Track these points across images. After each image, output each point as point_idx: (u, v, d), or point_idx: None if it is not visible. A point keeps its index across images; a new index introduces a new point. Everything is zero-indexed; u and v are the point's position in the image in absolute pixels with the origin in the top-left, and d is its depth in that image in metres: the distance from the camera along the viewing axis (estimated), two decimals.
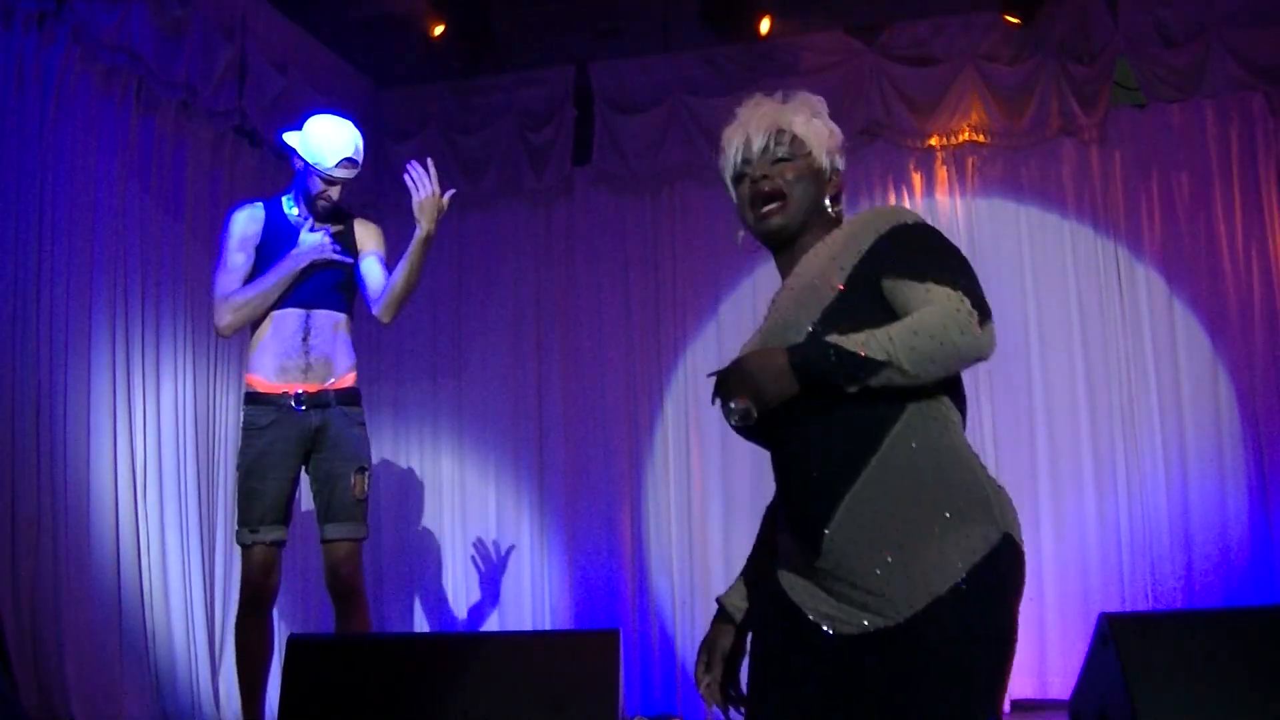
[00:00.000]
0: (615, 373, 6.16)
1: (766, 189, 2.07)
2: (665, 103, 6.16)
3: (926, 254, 1.94)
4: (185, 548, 4.94)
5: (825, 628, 1.88)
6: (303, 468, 4.07)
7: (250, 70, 5.35)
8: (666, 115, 6.16)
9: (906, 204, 5.97)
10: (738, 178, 2.13)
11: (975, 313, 1.86)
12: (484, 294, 6.42)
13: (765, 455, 2.14)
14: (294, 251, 4.01)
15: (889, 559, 1.82)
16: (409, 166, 3.93)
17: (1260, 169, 5.64)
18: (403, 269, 4.00)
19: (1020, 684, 5.52)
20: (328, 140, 4.01)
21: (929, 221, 2.07)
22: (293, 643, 3.04)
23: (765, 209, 2.07)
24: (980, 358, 1.89)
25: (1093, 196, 5.84)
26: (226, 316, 4.01)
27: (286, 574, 5.50)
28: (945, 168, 5.97)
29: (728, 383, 1.89)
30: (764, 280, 6.07)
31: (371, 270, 4.13)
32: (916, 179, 5.99)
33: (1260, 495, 5.42)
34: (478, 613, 6.16)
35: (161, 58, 4.85)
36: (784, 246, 2.11)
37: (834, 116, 2.28)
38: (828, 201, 2.11)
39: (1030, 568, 5.95)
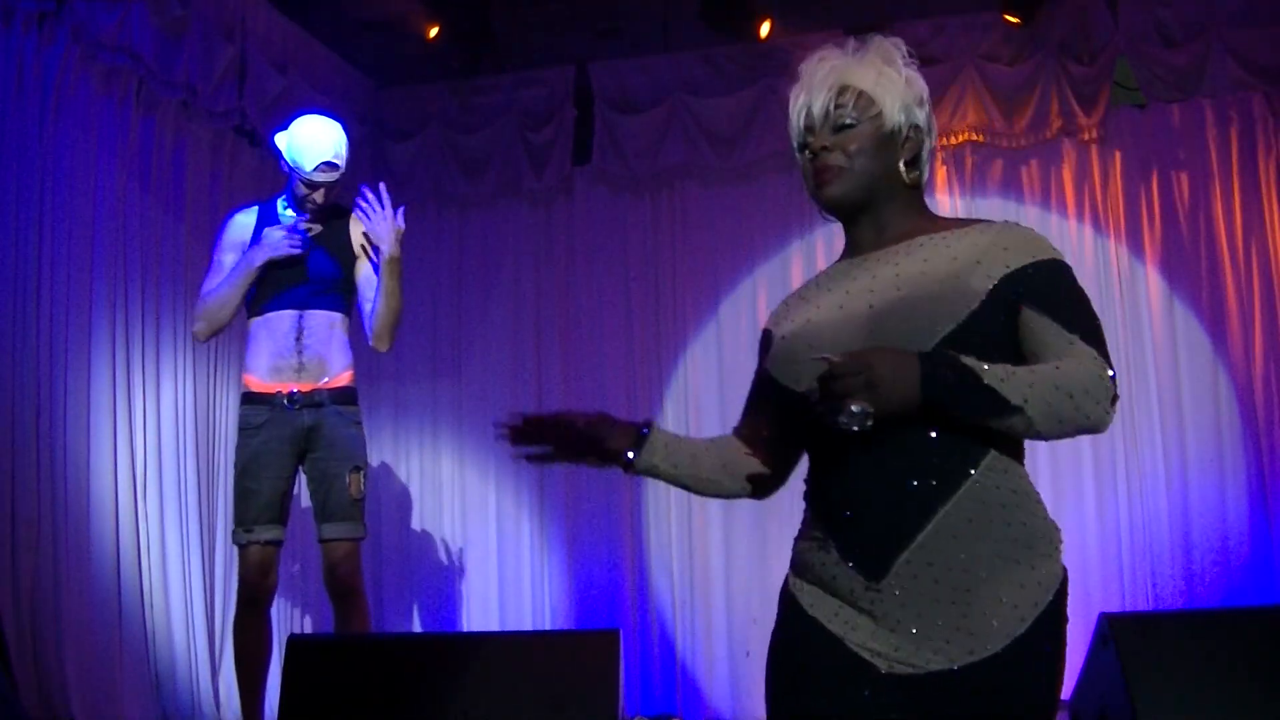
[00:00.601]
0: (615, 373, 6.16)
1: (824, 163, 1.85)
2: (665, 103, 6.16)
3: (1080, 306, 1.77)
4: (185, 548, 4.94)
5: (877, 664, 1.71)
6: (299, 468, 4.07)
7: (250, 70, 5.35)
8: (666, 115, 6.16)
9: None
10: (800, 147, 1.91)
11: (1113, 389, 1.71)
12: (484, 294, 6.42)
13: None
14: (250, 250, 4.02)
15: (964, 599, 1.67)
16: (359, 198, 3.97)
17: (1260, 169, 5.64)
18: (379, 298, 4.04)
19: None
20: (308, 144, 4.02)
21: None
22: (293, 643, 3.04)
23: (822, 179, 1.86)
24: (1095, 432, 1.74)
25: (1093, 196, 5.84)
26: (198, 323, 4.10)
27: (286, 574, 5.52)
28: (945, 168, 5.97)
29: (846, 378, 1.64)
30: (764, 280, 6.08)
31: (365, 275, 4.14)
32: None
33: (1260, 495, 5.43)
34: (478, 613, 6.16)
35: (161, 58, 4.85)
36: (857, 216, 1.89)
37: None
38: (903, 166, 1.87)
39: None
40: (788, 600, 1.90)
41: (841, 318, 1.81)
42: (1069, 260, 1.85)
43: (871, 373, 1.63)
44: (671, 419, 6.07)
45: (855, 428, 1.62)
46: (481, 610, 6.15)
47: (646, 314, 6.20)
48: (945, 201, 5.95)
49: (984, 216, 6.15)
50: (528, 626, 5.98)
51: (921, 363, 1.65)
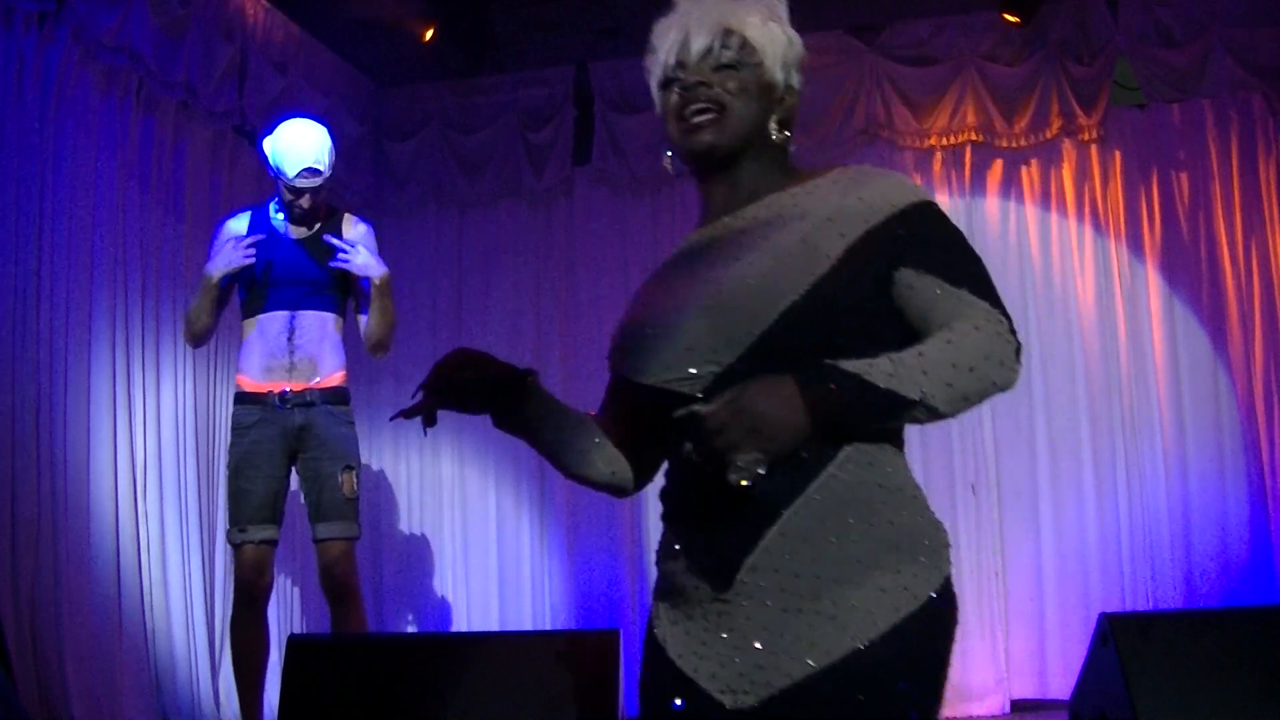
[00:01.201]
0: None
1: (700, 98, 1.63)
2: None
3: (960, 251, 1.59)
4: (185, 548, 4.94)
5: (724, 701, 1.52)
6: (293, 468, 4.08)
7: (250, 70, 5.35)
8: None
9: None
10: (667, 82, 1.68)
11: (1015, 341, 1.55)
12: (484, 294, 6.42)
13: None
14: (207, 264, 4.10)
15: (813, 607, 1.49)
16: (338, 257, 4.04)
17: (1260, 169, 5.64)
18: (375, 315, 4.13)
19: (1020, 684, 5.52)
20: (290, 149, 4.05)
21: None
22: (293, 643, 3.04)
23: (696, 120, 1.63)
24: (1004, 392, 1.56)
25: (1093, 196, 5.84)
26: (184, 333, 4.24)
27: (286, 574, 5.52)
28: (945, 168, 5.96)
29: (724, 432, 1.45)
30: None
31: (357, 282, 4.19)
32: (916, 179, 5.97)
33: (1260, 495, 5.43)
34: (478, 613, 6.16)
35: (161, 58, 4.86)
36: (716, 172, 1.69)
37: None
38: (774, 124, 1.68)
39: (1030, 568, 5.95)
40: (648, 631, 1.72)
41: (681, 298, 1.62)
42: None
43: (751, 418, 1.44)
44: None
45: (749, 481, 1.44)
46: (481, 610, 6.15)
47: None
48: (945, 201, 5.95)
49: (984, 216, 6.21)
50: (528, 626, 5.98)
51: (802, 388, 1.47)
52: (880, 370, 1.48)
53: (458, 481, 6.33)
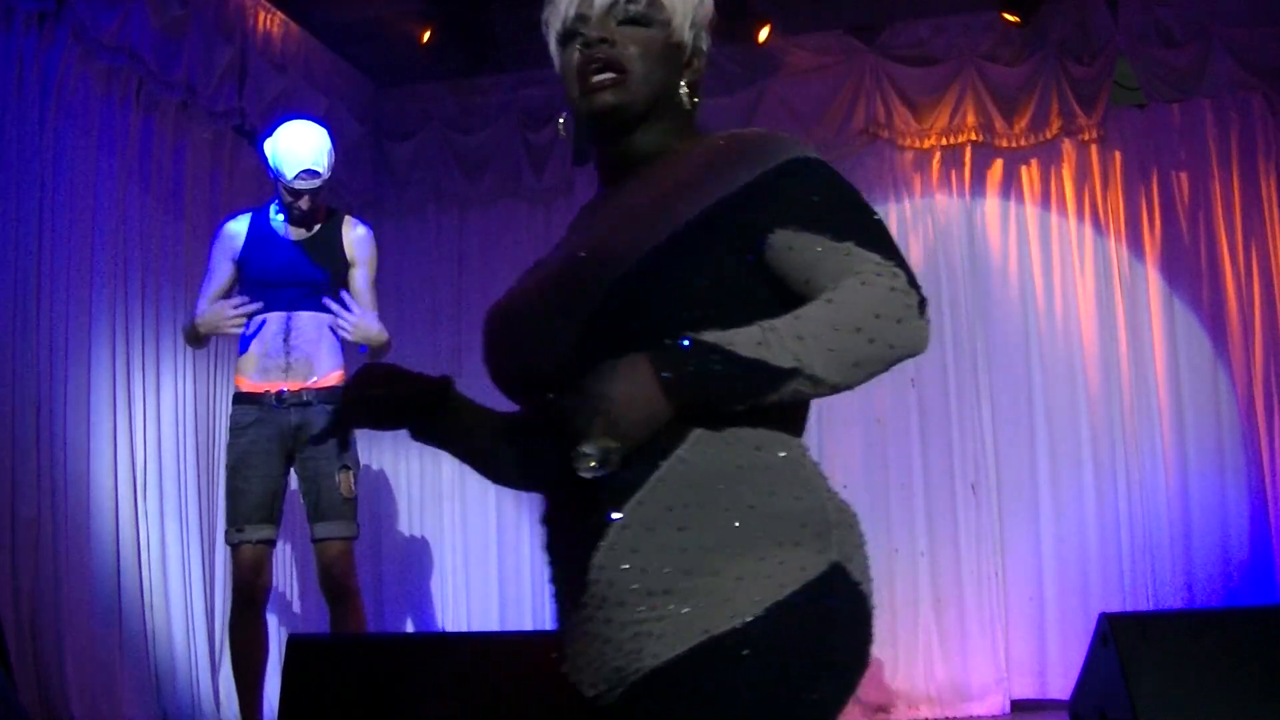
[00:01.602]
0: None
1: (602, 56, 1.50)
2: None
3: (845, 204, 1.42)
4: (185, 548, 4.94)
5: (593, 699, 1.41)
6: (291, 468, 4.09)
7: (250, 70, 5.35)
8: None
9: (906, 204, 5.97)
10: (566, 37, 1.55)
11: (915, 294, 1.37)
12: (484, 294, 6.40)
13: None
14: (196, 317, 4.17)
15: (665, 600, 1.34)
16: (337, 323, 4.08)
17: (1260, 169, 5.64)
18: (367, 354, 4.19)
19: (1020, 684, 5.52)
20: (289, 151, 4.06)
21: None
22: (293, 643, 3.04)
23: (596, 79, 1.50)
24: (912, 356, 1.39)
25: (1093, 196, 5.84)
26: (185, 344, 4.41)
27: (286, 574, 5.52)
28: (945, 168, 5.96)
29: (577, 419, 1.34)
30: None
31: (353, 285, 4.23)
32: (916, 179, 5.99)
33: (1260, 495, 5.43)
34: (478, 613, 6.16)
35: (161, 58, 4.86)
36: (617, 137, 1.56)
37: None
38: (684, 89, 1.56)
39: (1030, 568, 5.93)
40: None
41: (544, 277, 1.52)
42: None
43: (601, 403, 1.32)
44: None
45: (599, 470, 1.32)
46: (481, 610, 6.15)
47: None
48: (945, 202, 5.95)
49: (984, 216, 6.20)
50: (528, 626, 5.98)
51: (657, 366, 1.32)
52: (746, 339, 1.32)
53: (458, 481, 6.33)
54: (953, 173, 5.96)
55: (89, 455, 4.49)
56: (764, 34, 5.77)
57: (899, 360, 1.38)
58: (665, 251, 1.38)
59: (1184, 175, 5.74)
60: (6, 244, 4.25)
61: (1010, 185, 5.94)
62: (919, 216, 5.93)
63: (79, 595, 4.33)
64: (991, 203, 5.93)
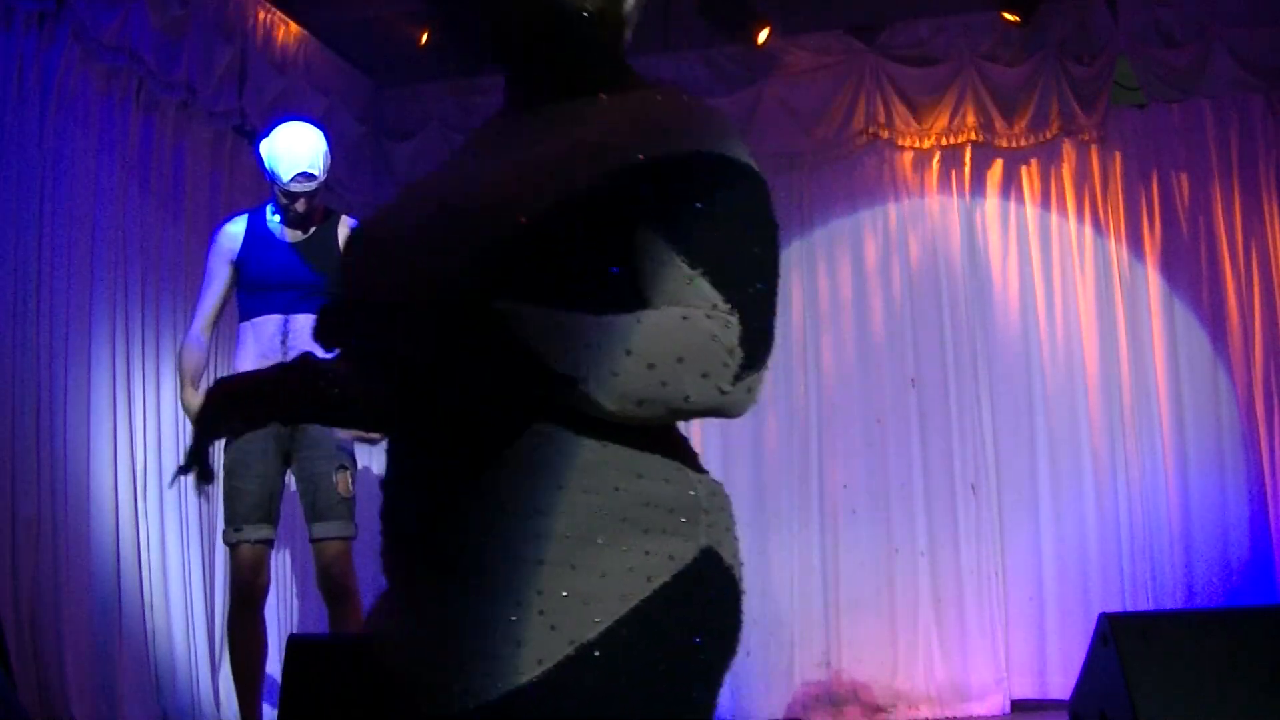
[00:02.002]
0: None
1: None
2: None
3: (718, 230, 1.22)
4: (185, 548, 4.94)
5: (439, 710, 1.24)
6: (289, 468, 4.09)
7: (250, 70, 5.35)
8: None
9: (906, 204, 5.97)
10: None
11: (739, 355, 1.20)
12: None
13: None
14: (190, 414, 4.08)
15: (525, 590, 1.19)
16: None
17: (1260, 169, 5.64)
18: None
19: (1020, 684, 5.53)
20: (285, 153, 4.06)
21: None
22: (293, 643, 3.04)
23: None
24: (715, 416, 1.25)
25: (1093, 196, 5.84)
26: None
27: (286, 574, 5.52)
28: (945, 168, 5.96)
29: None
30: None
31: None
32: (916, 179, 5.99)
33: (1260, 495, 5.43)
34: None
35: (161, 58, 4.86)
36: (514, 57, 1.39)
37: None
38: (590, 8, 1.38)
39: (1030, 568, 5.92)
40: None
41: (420, 210, 1.32)
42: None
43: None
44: None
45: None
46: None
47: None
48: (945, 202, 5.95)
49: (983, 217, 6.22)
50: None
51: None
52: (537, 322, 1.17)
53: None
54: (953, 173, 5.96)
55: (89, 455, 4.49)
56: (763, 36, 5.78)
57: (696, 415, 1.24)
58: (533, 234, 1.20)
59: (1184, 175, 5.74)
60: (6, 244, 4.25)
61: (1010, 185, 5.94)
62: (919, 216, 5.93)
63: (79, 595, 4.33)
64: (991, 203, 5.93)
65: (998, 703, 5.45)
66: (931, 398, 5.76)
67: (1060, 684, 5.29)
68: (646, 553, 1.22)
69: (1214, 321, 5.62)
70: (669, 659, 1.22)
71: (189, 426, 5.07)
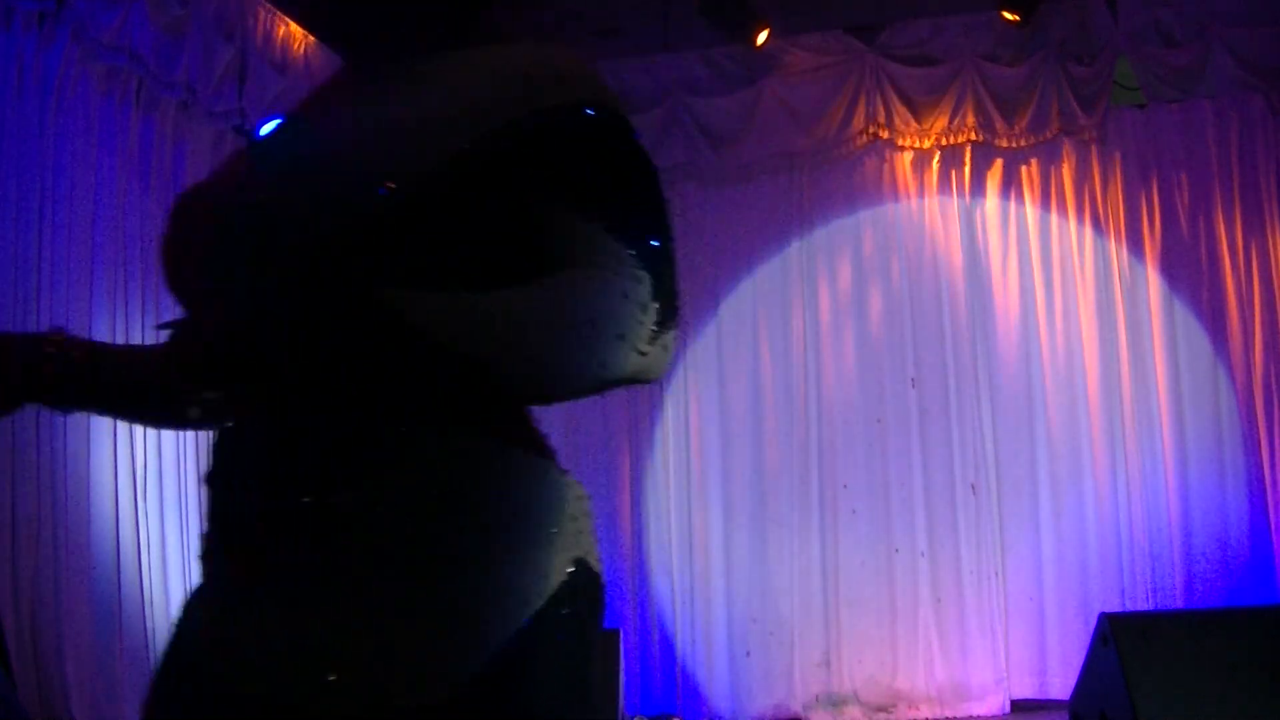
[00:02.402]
0: None
1: None
2: (665, 103, 6.16)
3: (613, 181, 1.14)
4: (185, 548, 4.93)
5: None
6: None
7: (250, 70, 5.35)
8: (666, 115, 6.16)
9: (905, 204, 5.97)
10: None
11: (653, 312, 1.12)
12: None
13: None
14: None
15: (396, 622, 1.06)
16: None
17: (1260, 169, 5.64)
18: None
19: (1020, 684, 5.53)
20: None
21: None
22: None
23: None
24: (634, 383, 1.17)
25: (1093, 196, 5.84)
26: None
27: None
28: (945, 168, 5.96)
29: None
30: (764, 280, 6.07)
31: None
32: (916, 179, 5.99)
33: (1260, 495, 5.43)
34: None
35: (161, 58, 4.86)
36: (371, 24, 1.27)
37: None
38: None
39: (1030, 567, 5.93)
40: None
41: (259, 178, 1.19)
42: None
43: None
44: (671, 419, 6.07)
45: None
46: None
47: None
48: (945, 202, 5.95)
49: (983, 217, 6.23)
50: None
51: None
52: (433, 307, 1.04)
53: None
54: (953, 173, 5.96)
55: (89, 455, 4.49)
56: (762, 38, 5.78)
57: (616, 383, 1.14)
58: (401, 202, 1.07)
59: (1184, 175, 5.74)
60: (6, 244, 4.25)
61: (1010, 185, 5.94)
62: (919, 216, 5.93)
63: (79, 595, 4.33)
64: (991, 203, 5.93)
65: (998, 703, 5.45)
66: (931, 398, 5.76)
67: (1060, 684, 5.30)
68: (521, 571, 1.11)
69: (1214, 321, 5.62)
70: (555, 684, 1.13)
71: None
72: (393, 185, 1.06)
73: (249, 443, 1.15)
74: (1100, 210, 5.83)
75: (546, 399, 1.14)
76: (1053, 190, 5.90)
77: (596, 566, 1.20)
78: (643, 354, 1.12)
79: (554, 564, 1.13)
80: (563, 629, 1.13)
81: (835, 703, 5.58)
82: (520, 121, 1.10)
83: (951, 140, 5.94)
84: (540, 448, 1.20)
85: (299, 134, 1.25)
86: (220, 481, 1.17)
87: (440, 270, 1.08)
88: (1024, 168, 5.94)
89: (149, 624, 4.68)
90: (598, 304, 1.08)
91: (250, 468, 1.13)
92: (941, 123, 5.92)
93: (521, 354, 1.06)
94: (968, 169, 5.95)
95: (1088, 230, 5.82)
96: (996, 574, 5.60)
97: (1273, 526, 5.38)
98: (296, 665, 1.06)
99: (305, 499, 1.09)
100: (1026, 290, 5.80)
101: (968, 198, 5.95)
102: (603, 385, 1.14)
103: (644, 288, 1.11)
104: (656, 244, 1.14)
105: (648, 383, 1.17)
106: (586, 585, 1.17)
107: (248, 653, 1.08)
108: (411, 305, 1.04)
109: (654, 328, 1.13)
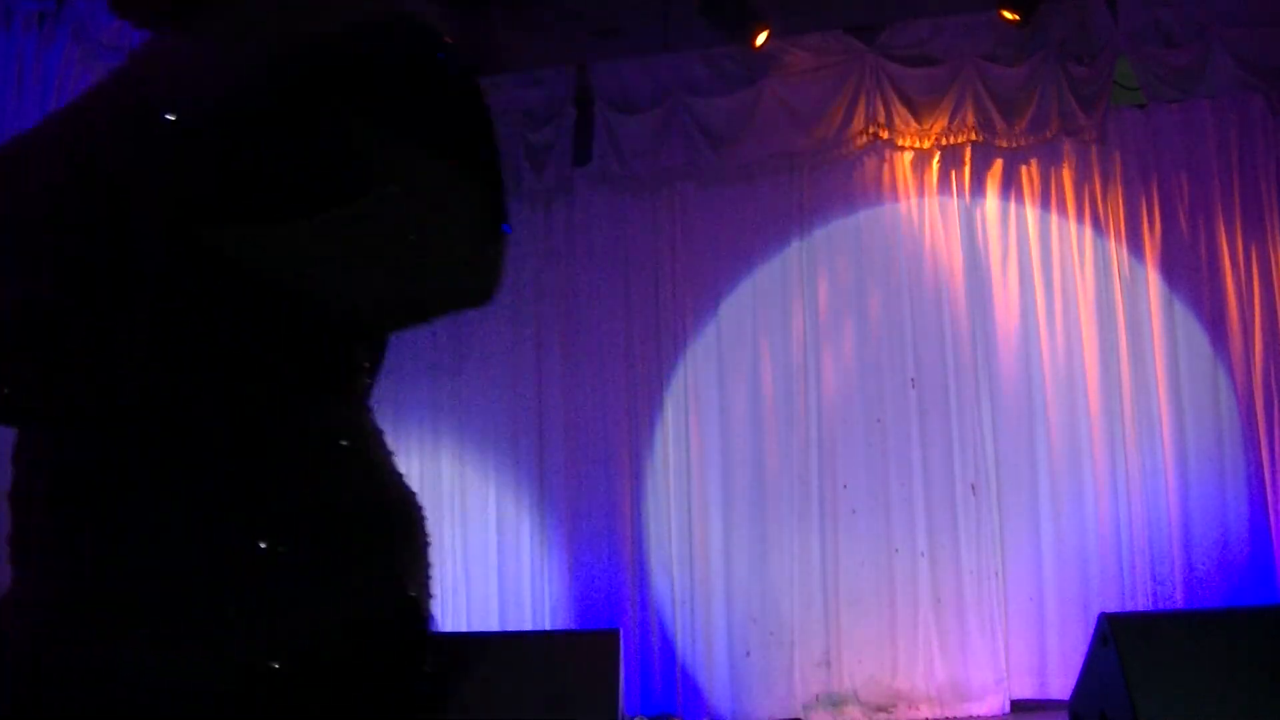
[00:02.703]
0: (615, 373, 6.16)
1: None
2: (665, 103, 6.16)
3: (428, 91, 1.08)
4: None
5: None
6: None
7: None
8: (666, 115, 6.16)
9: (905, 204, 5.97)
10: None
11: (481, 229, 1.07)
12: None
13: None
14: None
15: (184, 625, 1.00)
16: None
17: (1260, 169, 5.64)
18: None
19: (1020, 684, 5.53)
20: None
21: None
22: None
23: None
24: (469, 302, 1.09)
25: (1093, 196, 5.84)
26: None
27: None
28: (945, 168, 5.96)
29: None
30: (764, 280, 6.07)
31: None
32: (916, 179, 5.99)
33: (1260, 495, 5.43)
34: (478, 613, 6.16)
35: None
36: None
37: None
38: None
39: (1030, 568, 5.94)
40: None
41: (68, 143, 1.11)
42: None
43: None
44: (671, 419, 6.07)
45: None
46: (481, 610, 6.15)
47: (646, 314, 6.20)
48: (945, 202, 5.95)
49: (983, 217, 6.26)
50: (528, 626, 5.98)
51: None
52: (242, 236, 0.99)
53: (457, 481, 6.33)
54: (953, 173, 5.96)
55: None
56: (761, 39, 5.79)
57: (447, 307, 1.09)
58: (205, 120, 1.01)
59: (1184, 175, 5.74)
60: None
61: (1010, 185, 5.94)
62: (919, 216, 5.93)
63: None
64: (991, 203, 5.93)
65: (998, 703, 5.46)
66: (931, 398, 5.76)
67: (1060, 684, 5.30)
68: (324, 579, 1.03)
69: (1214, 321, 5.62)
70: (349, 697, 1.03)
71: None
72: (172, 117, 1.00)
73: (46, 449, 1.06)
74: (1100, 210, 5.83)
75: (373, 325, 1.08)
76: (1053, 190, 5.90)
77: (414, 590, 1.08)
78: (473, 272, 1.06)
79: (363, 578, 1.05)
80: (364, 653, 1.03)
81: (835, 703, 5.58)
82: (319, 43, 1.05)
83: (951, 140, 5.94)
84: (366, 442, 1.12)
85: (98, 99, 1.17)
86: (20, 497, 1.09)
87: (254, 202, 1.01)
88: (1024, 168, 5.94)
89: None
90: (422, 223, 1.02)
91: (48, 478, 1.05)
92: (941, 123, 5.92)
93: (343, 279, 1.01)
94: (968, 169, 5.95)
95: (1088, 230, 5.82)
96: (996, 574, 5.60)
97: (1273, 526, 5.39)
98: (110, 678, 1.00)
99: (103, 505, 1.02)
100: (1026, 290, 5.80)
101: (968, 198, 5.95)
102: (430, 310, 1.09)
103: (468, 203, 1.06)
104: (478, 158, 1.09)
105: (478, 304, 1.08)
106: (399, 609, 1.07)
107: (69, 672, 1.02)
108: (227, 238, 0.98)
109: (480, 243, 1.06)
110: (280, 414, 1.05)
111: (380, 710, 1.04)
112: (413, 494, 1.14)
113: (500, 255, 1.07)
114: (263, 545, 1.01)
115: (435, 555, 1.16)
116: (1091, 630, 3.16)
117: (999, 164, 5.95)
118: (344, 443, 1.09)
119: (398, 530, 1.10)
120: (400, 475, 1.14)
